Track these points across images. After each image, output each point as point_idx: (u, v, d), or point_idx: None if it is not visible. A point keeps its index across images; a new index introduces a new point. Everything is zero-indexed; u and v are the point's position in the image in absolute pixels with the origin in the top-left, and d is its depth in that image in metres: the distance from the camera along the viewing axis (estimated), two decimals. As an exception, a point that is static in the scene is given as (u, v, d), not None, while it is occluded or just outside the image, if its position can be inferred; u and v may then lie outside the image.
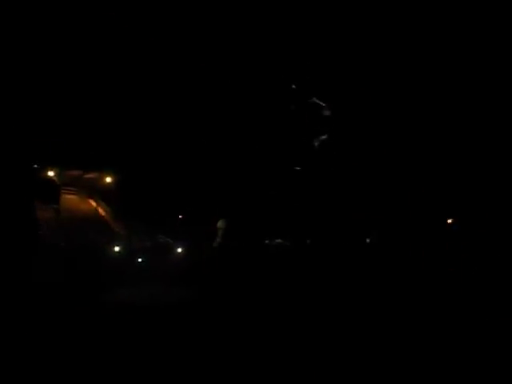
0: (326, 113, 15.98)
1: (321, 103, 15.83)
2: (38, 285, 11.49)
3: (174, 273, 14.58)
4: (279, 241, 15.60)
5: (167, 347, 8.16)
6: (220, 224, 15.91)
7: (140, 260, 15.61)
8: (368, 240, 16.05)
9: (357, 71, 16.04)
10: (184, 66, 16.32)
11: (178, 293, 12.45)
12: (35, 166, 16.55)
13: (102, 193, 17.87)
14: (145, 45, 15.97)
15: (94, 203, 17.90)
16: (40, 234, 14.78)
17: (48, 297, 10.98)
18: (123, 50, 16.12)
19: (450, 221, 16.28)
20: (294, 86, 16.22)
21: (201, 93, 16.67)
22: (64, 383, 6.71)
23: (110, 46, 15.93)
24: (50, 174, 16.98)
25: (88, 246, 15.47)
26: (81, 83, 16.17)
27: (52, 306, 10.26)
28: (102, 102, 16.54)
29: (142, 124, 16.66)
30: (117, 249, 15.85)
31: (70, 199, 17.32)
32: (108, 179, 17.66)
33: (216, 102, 16.80)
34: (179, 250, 16.62)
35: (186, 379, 6.92)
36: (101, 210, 17.79)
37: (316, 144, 16.15)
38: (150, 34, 15.93)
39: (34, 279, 11.78)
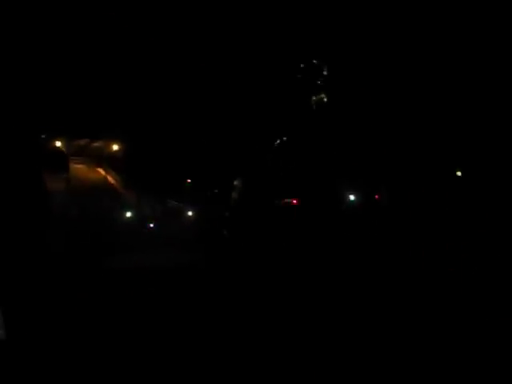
0: (325, 72, 15.87)
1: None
2: (53, 254, 11.64)
3: (184, 236, 14.73)
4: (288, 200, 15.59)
5: (172, 312, 8.22)
6: (237, 183, 15.93)
7: (151, 225, 15.78)
8: (376, 196, 16.02)
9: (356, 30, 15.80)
10: (188, 34, 16.16)
11: (188, 257, 12.58)
12: (42, 136, 16.60)
13: (110, 161, 17.94)
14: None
15: (102, 171, 17.99)
16: (51, 204, 14.92)
17: (61, 264, 11.12)
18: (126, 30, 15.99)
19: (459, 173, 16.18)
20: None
21: (207, 61, 16.52)
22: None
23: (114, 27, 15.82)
24: (58, 143, 17.03)
25: (99, 214, 15.64)
26: (85, 56, 16.07)
27: (64, 274, 10.40)
28: (106, 69, 16.45)
29: (147, 89, 16.57)
30: (127, 215, 16.00)
31: (78, 168, 17.39)
32: (115, 147, 17.69)
33: (221, 68, 16.66)
34: (189, 213, 16.75)
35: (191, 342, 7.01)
36: (110, 178, 17.88)
37: (314, 102, 16.07)
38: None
39: (49, 249, 11.94)
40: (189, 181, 18.33)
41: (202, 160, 17.35)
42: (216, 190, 16.68)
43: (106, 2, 15.43)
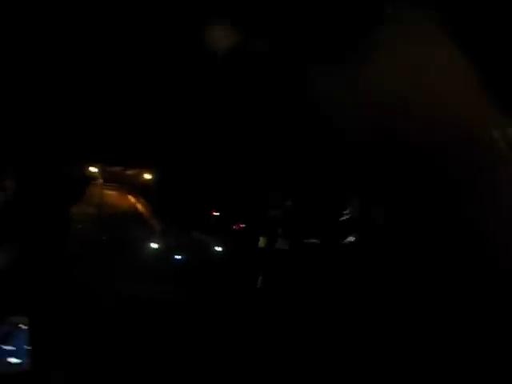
0: None
1: None
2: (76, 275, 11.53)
3: (216, 272, 14.23)
4: (314, 241, 15.07)
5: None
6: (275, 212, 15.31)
7: (177, 257, 15.52)
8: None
9: None
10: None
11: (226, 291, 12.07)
12: (78, 162, 16.77)
13: (141, 189, 17.96)
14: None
15: (133, 199, 18.00)
16: (80, 228, 14.93)
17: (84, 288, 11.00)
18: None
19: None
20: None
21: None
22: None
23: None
24: (93, 169, 17.15)
25: (127, 241, 15.58)
26: (119, 83, 16.25)
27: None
28: (141, 102, 16.63)
29: (177, 122, 16.62)
30: (154, 245, 15.83)
31: (110, 195, 17.48)
32: (147, 175, 17.74)
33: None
34: (218, 248, 16.29)
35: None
36: (139, 206, 17.87)
37: None
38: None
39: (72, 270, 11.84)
40: (215, 213, 17.92)
41: (229, 192, 17.07)
42: (243, 224, 16.35)
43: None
